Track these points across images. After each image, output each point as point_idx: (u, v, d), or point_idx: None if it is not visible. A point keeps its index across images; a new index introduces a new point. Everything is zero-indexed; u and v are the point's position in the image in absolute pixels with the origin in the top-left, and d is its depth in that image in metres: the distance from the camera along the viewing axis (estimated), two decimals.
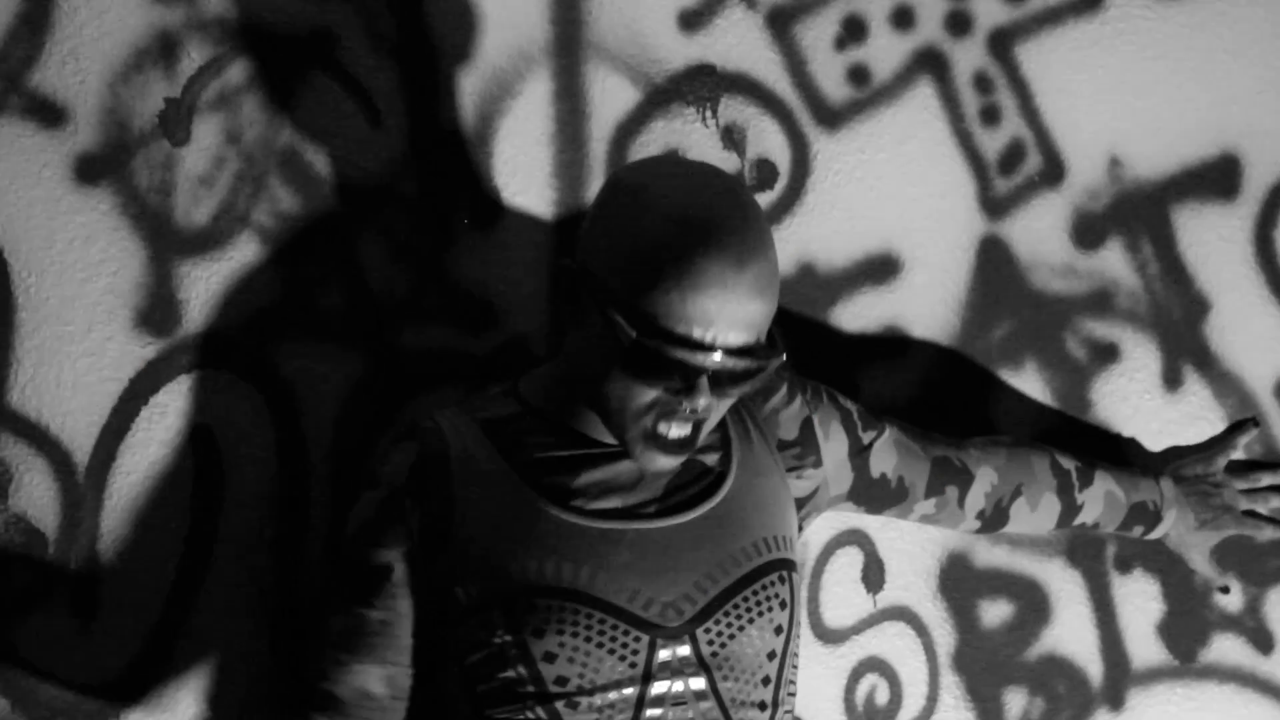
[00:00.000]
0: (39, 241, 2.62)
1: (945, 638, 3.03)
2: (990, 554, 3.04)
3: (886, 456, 2.69)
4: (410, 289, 2.76)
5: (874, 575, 3.00)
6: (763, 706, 2.42)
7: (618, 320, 2.25)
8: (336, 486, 2.73)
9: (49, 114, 2.63)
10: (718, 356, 2.24)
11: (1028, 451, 2.83)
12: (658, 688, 2.35)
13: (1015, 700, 3.06)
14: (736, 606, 2.40)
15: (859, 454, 2.66)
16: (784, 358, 2.34)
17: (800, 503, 2.58)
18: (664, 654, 2.35)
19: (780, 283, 2.32)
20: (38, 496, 2.61)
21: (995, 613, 3.05)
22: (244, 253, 2.70)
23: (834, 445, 2.63)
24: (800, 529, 2.59)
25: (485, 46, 2.80)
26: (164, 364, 2.67)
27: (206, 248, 2.69)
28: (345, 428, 2.73)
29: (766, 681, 2.42)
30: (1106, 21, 3.09)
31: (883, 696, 3.00)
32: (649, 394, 2.31)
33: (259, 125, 2.70)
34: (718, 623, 2.38)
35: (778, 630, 2.43)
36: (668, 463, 2.36)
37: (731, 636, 2.38)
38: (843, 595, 2.98)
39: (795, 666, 2.49)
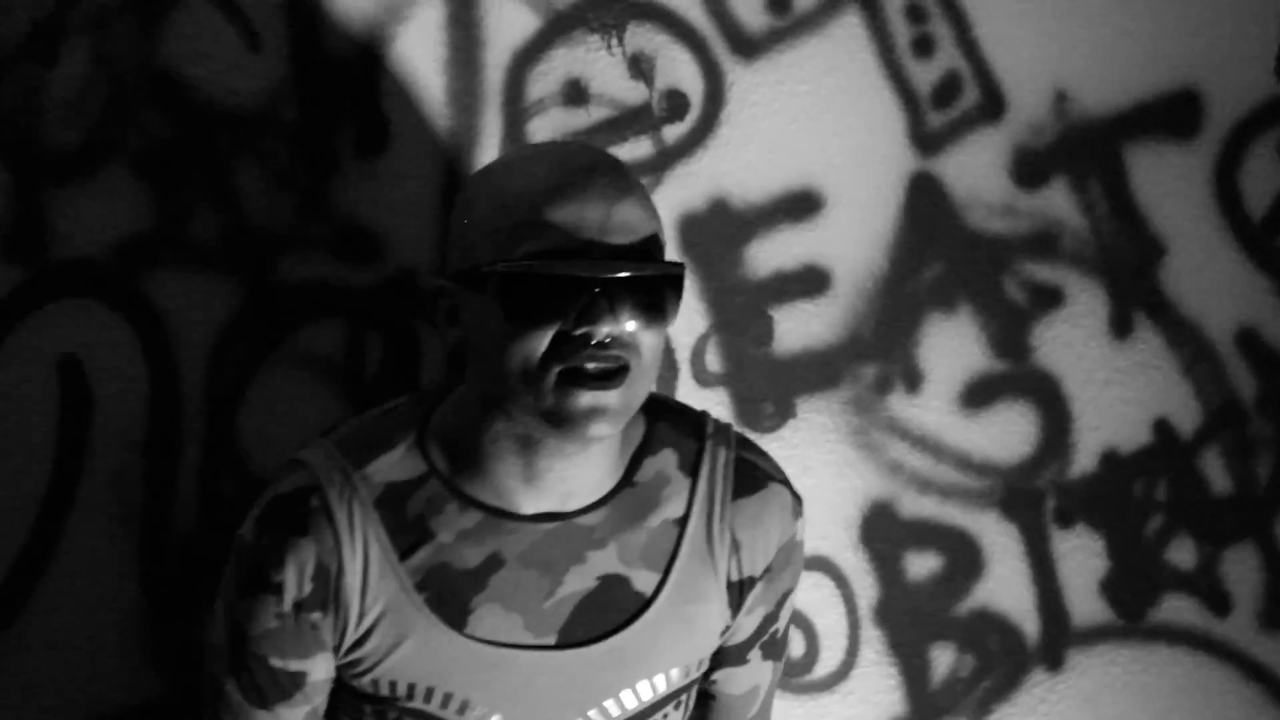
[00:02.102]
0: None
1: (867, 590, 2.84)
2: (917, 504, 2.86)
3: (739, 683, 2.37)
4: (291, 219, 2.57)
5: None
6: None
7: (486, 272, 2.01)
8: (210, 422, 2.57)
9: None
10: (602, 268, 1.97)
11: None
12: None
13: (943, 656, 2.88)
14: None
15: (736, 651, 2.34)
16: (682, 268, 2.06)
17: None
18: None
19: (655, 207, 2.09)
20: None
21: (922, 565, 2.86)
22: (114, 179, 2.52)
23: (743, 628, 2.32)
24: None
25: None
26: (29, 291, 2.51)
27: (75, 173, 2.52)
28: (220, 362, 2.57)
29: None
30: None
31: (799, 648, 2.81)
32: (545, 334, 2.00)
33: (130, 47, 2.52)
34: None
35: None
36: (598, 409, 2.01)
37: None
38: None
39: None
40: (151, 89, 2.52)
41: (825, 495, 2.79)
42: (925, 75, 2.81)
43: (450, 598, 2.12)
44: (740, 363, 2.74)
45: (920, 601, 2.84)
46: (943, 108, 2.82)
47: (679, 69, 2.71)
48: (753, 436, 2.69)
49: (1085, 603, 2.90)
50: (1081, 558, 2.90)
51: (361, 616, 2.13)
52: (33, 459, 2.52)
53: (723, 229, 2.74)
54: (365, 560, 2.12)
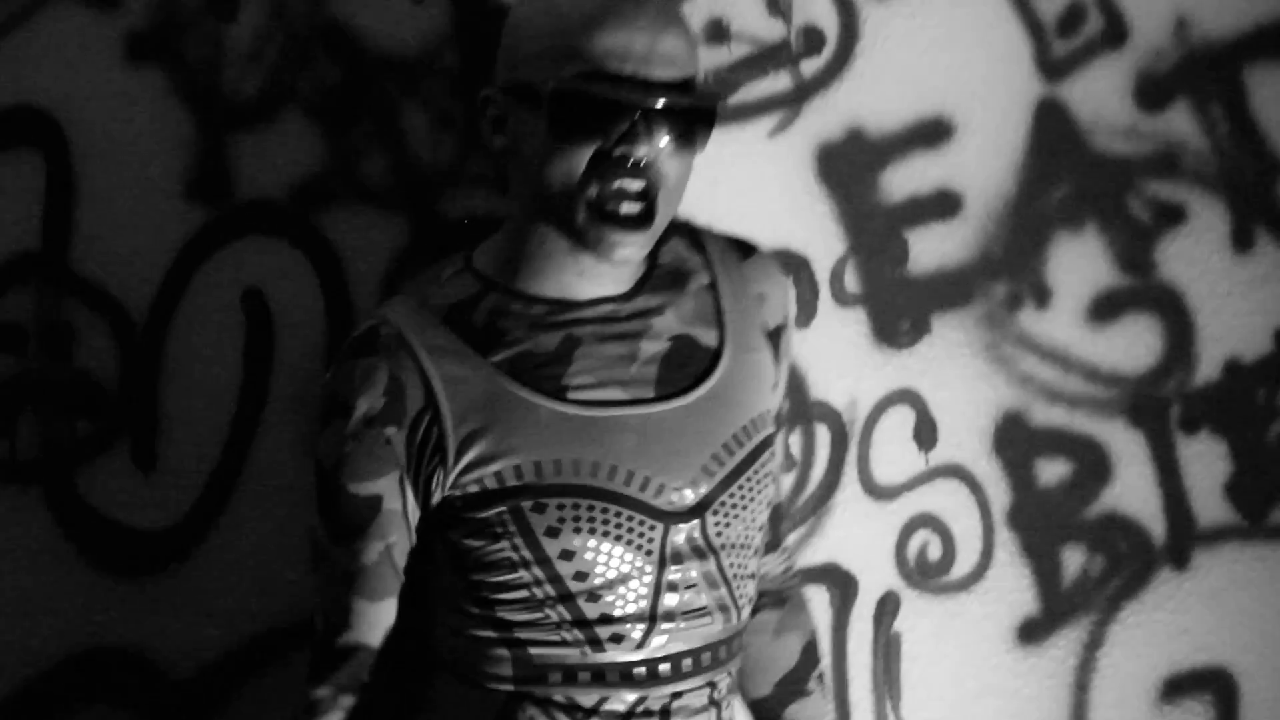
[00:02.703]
0: (95, 117, 2.55)
1: (1000, 495, 2.87)
2: (1048, 413, 2.88)
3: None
4: (452, 157, 2.63)
5: (926, 434, 2.84)
6: (751, 576, 2.28)
7: (537, 89, 2.09)
8: None
9: None
10: (644, 95, 2.05)
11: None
12: (672, 573, 2.17)
13: (1073, 557, 2.90)
14: (740, 488, 2.22)
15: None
16: (719, 98, 2.18)
17: None
18: (676, 539, 2.17)
19: (696, 42, 2.17)
20: (99, 354, 2.55)
21: (1052, 471, 2.89)
22: (290, 124, 2.59)
23: (782, 372, 2.41)
24: None
25: None
26: (216, 230, 2.58)
27: (254, 120, 2.59)
28: (390, 290, 2.60)
29: (755, 553, 2.28)
30: None
31: (935, 552, 2.85)
32: (586, 152, 2.09)
33: (304, 2, 2.58)
34: (723, 505, 2.20)
35: (767, 504, 2.29)
36: (625, 241, 2.11)
37: (735, 518, 2.22)
38: (894, 453, 2.84)
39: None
40: (323, 39, 2.57)
41: (959, 406, 2.82)
42: (1050, 5, 2.82)
43: (543, 378, 2.14)
44: (877, 282, 2.77)
45: (1051, 506, 2.86)
46: (1067, 35, 2.83)
47: (815, 6, 2.74)
48: (890, 351, 2.78)
49: (1210, 505, 2.92)
50: (1206, 462, 2.91)
51: (462, 420, 2.13)
52: (222, 384, 2.57)
53: (859, 157, 2.77)
54: (446, 369, 2.14)
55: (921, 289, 2.81)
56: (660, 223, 2.14)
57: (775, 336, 2.34)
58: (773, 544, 2.46)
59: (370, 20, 2.59)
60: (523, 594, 2.15)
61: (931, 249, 2.81)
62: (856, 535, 2.79)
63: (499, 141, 2.20)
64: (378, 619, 2.19)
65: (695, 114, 2.12)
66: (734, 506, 2.20)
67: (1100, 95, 2.85)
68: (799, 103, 2.74)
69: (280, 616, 2.61)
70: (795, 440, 2.77)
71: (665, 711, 2.20)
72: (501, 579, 2.15)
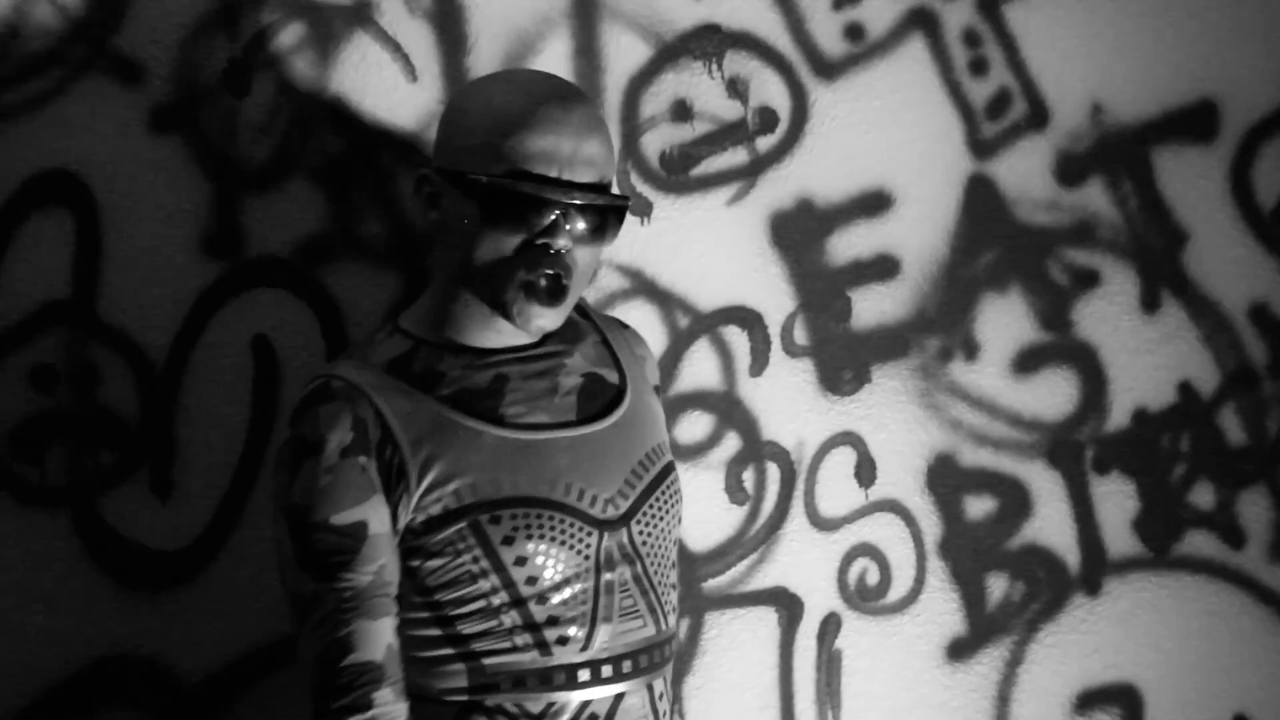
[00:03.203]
0: (122, 180, 2.52)
1: (932, 528, 2.85)
2: (975, 455, 2.86)
3: None
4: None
5: (866, 472, 2.82)
6: (673, 586, 2.27)
7: (472, 179, 2.12)
8: None
9: (129, 72, 2.52)
10: (565, 194, 2.09)
11: None
12: (607, 576, 2.17)
13: (998, 584, 2.88)
14: (656, 500, 2.24)
15: None
16: (629, 200, 2.20)
17: None
18: (608, 544, 2.17)
19: (612, 145, 2.19)
20: (122, 393, 2.53)
21: (979, 507, 2.87)
22: (296, 188, 2.57)
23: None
24: None
25: (510, 10, 2.64)
26: (228, 282, 2.56)
27: (264, 184, 2.57)
28: None
29: (672, 566, 2.28)
30: None
31: (873, 578, 2.82)
32: (513, 240, 2.13)
33: (310, 80, 2.57)
34: (644, 514, 2.22)
35: (678, 520, 2.29)
36: (546, 316, 2.16)
37: (655, 527, 2.23)
38: (837, 489, 2.81)
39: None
40: (327, 113, 2.56)
41: (896, 447, 2.80)
42: (980, 91, 2.81)
43: (482, 409, 2.16)
44: (823, 336, 2.75)
45: (978, 537, 2.84)
46: (995, 119, 2.82)
47: (769, 89, 2.73)
48: (835, 398, 2.76)
49: (1119, 538, 2.90)
50: (1116, 500, 2.89)
51: (418, 447, 2.12)
52: (232, 420, 2.55)
53: (808, 224, 2.76)
54: (396, 406, 2.13)
55: (863, 342, 2.79)
56: (571, 300, 2.18)
57: (656, 391, 2.39)
58: None
59: (369, 97, 2.57)
60: (480, 604, 2.13)
61: (872, 307, 2.80)
62: (802, 562, 2.76)
63: (432, 215, 2.22)
64: (380, 636, 2.11)
65: (608, 211, 2.15)
66: (653, 517, 2.21)
67: (1024, 172, 2.83)
68: (754, 175, 2.73)
69: (282, 628, 2.50)
70: (748, 476, 2.75)
71: (610, 715, 2.17)
72: (461, 593, 2.13)
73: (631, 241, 2.66)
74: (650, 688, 2.21)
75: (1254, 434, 2.94)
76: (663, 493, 2.24)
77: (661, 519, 2.23)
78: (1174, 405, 2.91)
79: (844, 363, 2.78)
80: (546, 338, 2.25)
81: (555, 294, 2.14)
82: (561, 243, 2.12)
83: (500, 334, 2.21)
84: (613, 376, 2.29)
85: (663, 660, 2.23)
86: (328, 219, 2.58)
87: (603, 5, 2.67)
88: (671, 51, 2.69)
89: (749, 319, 2.73)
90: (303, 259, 2.58)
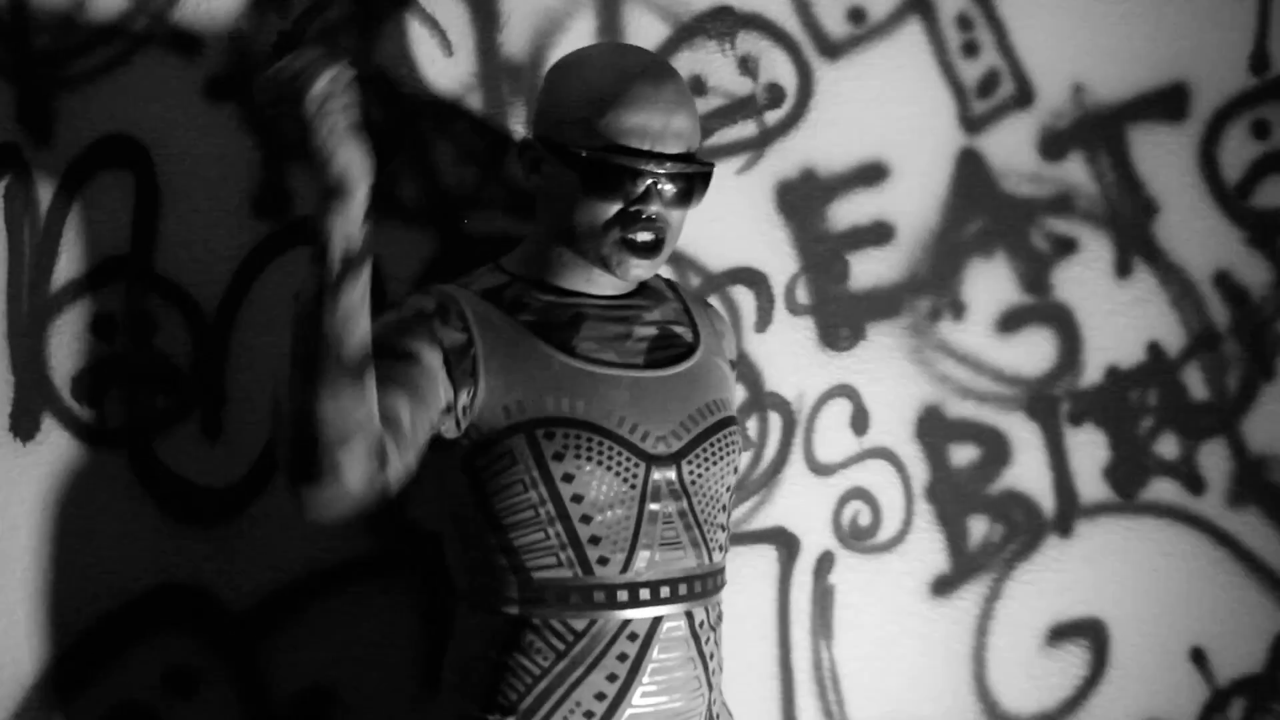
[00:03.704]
0: (179, 144, 2.45)
1: (920, 473, 2.77)
2: (960, 407, 2.79)
3: None
4: (475, 184, 2.53)
5: (860, 421, 2.75)
6: (722, 528, 2.22)
7: (573, 151, 2.12)
8: None
9: (186, 44, 2.44)
10: (658, 165, 2.10)
11: None
12: (652, 506, 2.13)
13: (978, 526, 2.80)
14: (710, 445, 2.19)
15: None
16: (713, 166, 2.19)
17: None
18: (656, 477, 2.13)
19: (698, 115, 2.19)
20: (176, 340, 2.46)
21: (963, 455, 2.79)
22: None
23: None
24: None
25: None
26: (276, 241, 2.48)
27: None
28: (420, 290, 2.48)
29: (724, 509, 2.22)
30: None
31: (865, 519, 2.75)
32: (610, 207, 2.13)
33: (354, 53, 2.47)
34: (697, 456, 2.17)
35: (734, 470, 2.24)
36: (640, 265, 2.16)
37: (706, 470, 2.18)
38: (833, 437, 2.73)
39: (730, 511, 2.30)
40: (369, 84, 2.45)
41: (888, 399, 2.73)
42: (971, 72, 2.73)
43: (556, 336, 2.15)
44: (823, 296, 2.68)
45: (961, 483, 2.77)
46: (985, 97, 2.74)
47: (778, 67, 2.65)
48: (832, 353, 2.70)
49: (1090, 485, 2.83)
50: (1088, 450, 2.83)
51: (492, 354, 2.12)
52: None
53: (811, 193, 2.68)
54: (481, 316, 2.15)
55: (859, 302, 2.72)
56: (665, 254, 2.18)
57: (731, 365, 2.36)
58: None
59: (408, 69, 2.50)
60: (529, 514, 2.10)
61: (868, 270, 2.72)
62: (800, 504, 2.69)
63: (533, 180, 2.22)
64: (390, 402, 1.99)
65: (694, 177, 2.16)
66: (705, 460, 2.17)
67: (1010, 146, 2.76)
68: (762, 147, 2.65)
69: (321, 560, 2.51)
70: (752, 424, 2.68)
71: (649, 636, 2.11)
72: (513, 501, 2.10)
73: None
74: (690, 615, 2.14)
75: (1215, 390, 2.88)
76: (718, 440, 2.19)
77: (714, 463, 2.18)
78: (1143, 363, 2.84)
79: (842, 321, 2.71)
80: (629, 295, 2.25)
81: (652, 248, 2.16)
82: (654, 208, 2.12)
83: (590, 283, 2.21)
84: (687, 335, 2.27)
85: (704, 591, 2.17)
86: (370, 182, 2.47)
87: None
88: (688, 31, 2.61)
89: (755, 279, 2.66)
90: None
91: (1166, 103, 2.80)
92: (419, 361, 2.08)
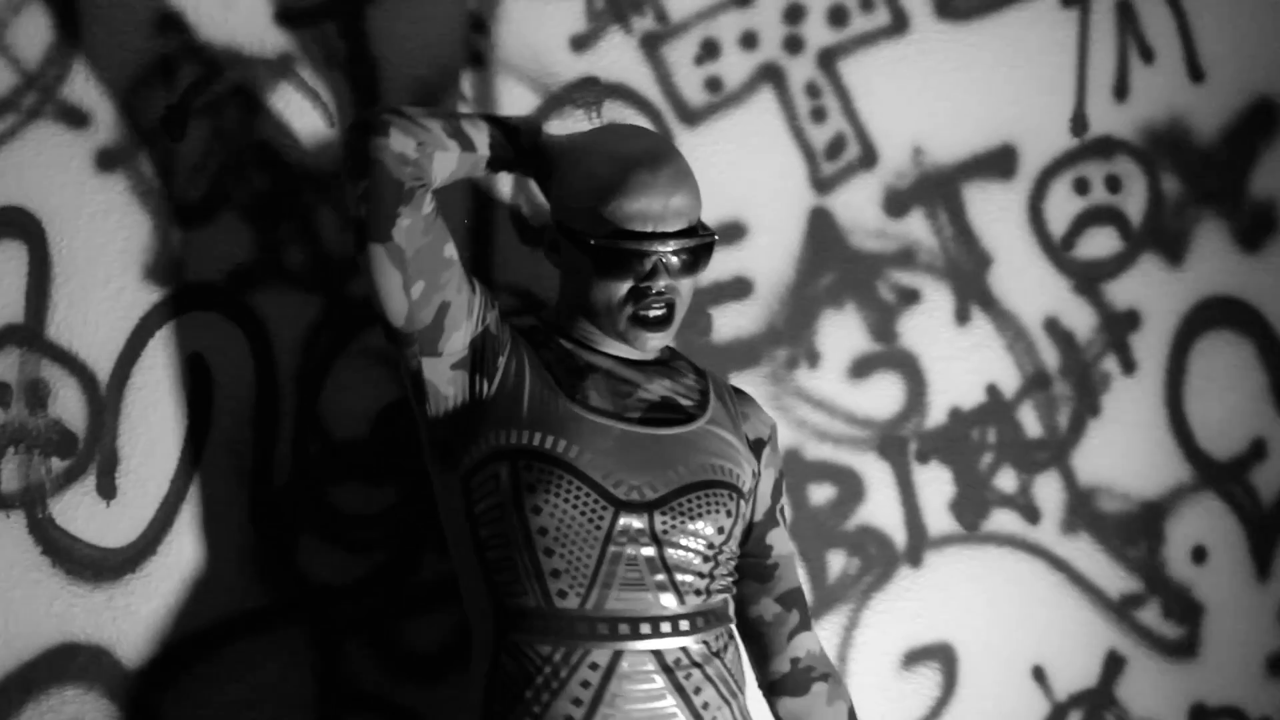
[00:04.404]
0: (69, 214, 2.44)
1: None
2: (818, 449, 2.82)
3: (783, 544, 2.44)
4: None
5: None
6: (701, 575, 2.23)
7: (585, 240, 2.19)
8: (300, 401, 2.53)
9: (76, 118, 2.44)
10: (661, 244, 2.17)
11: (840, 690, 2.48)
12: (613, 549, 2.16)
13: (836, 560, 2.84)
14: (690, 500, 2.22)
15: (769, 515, 2.42)
16: (715, 237, 2.26)
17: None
18: (622, 523, 2.17)
19: (698, 189, 2.27)
20: (70, 406, 2.44)
21: (821, 494, 2.83)
22: (228, 222, 2.50)
23: (765, 483, 2.42)
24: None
25: (414, 62, 2.57)
26: (166, 307, 2.48)
27: (198, 218, 2.50)
28: (307, 355, 2.53)
29: (705, 559, 2.23)
30: (911, 42, 2.84)
31: None
32: (622, 286, 2.21)
33: (239, 125, 2.49)
34: (672, 509, 2.21)
35: (719, 530, 2.24)
36: (654, 337, 2.25)
37: (681, 522, 2.20)
38: None
39: (733, 557, 2.30)
40: (255, 155, 2.49)
41: None
42: (820, 136, 2.78)
43: (565, 380, 2.24)
44: (690, 349, 2.69)
45: (820, 520, 2.80)
46: (833, 159, 2.79)
47: None
48: None
49: (937, 518, 2.88)
50: (935, 485, 2.87)
51: (514, 361, 2.23)
52: (170, 430, 2.48)
53: None
54: (519, 337, 2.27)
55: (722, 352, 2.75)
56: (677, 322, 2.27)
57: (756, 446, 2.38)
58: (805, 624, 2.42)
59: (293, 140, 2.50)
60: (505, 540, 2.17)
61: (730, 322, 2.75)
62: None
63: (555, 259, 2.31)
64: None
65: (699, 249, 2.23)
66: (682, 514, 2.20)
67: (857, 205, 2.81)
68: None
69: (217, 615, 2.50)
70: None
71: (610, 669, 2.14)
72: (493, 524, 2.18)
73: (528, 274, 2.60)
74: (658, 654, 2.16)
75: (1048, 427, 2.94)
76: (700, 498, 2.22)
77: (692, 518, 2.20)
78: (982, 404, 2.90)
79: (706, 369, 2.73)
80: (644, 364, 2.31)
81: (663, 321, 2.24)
82: (663, 283, 2.20)
83: (609, 344, 2.30)
84: (694, 409, 2.31)
85: (675, 632, 2.18)
86: (256, 249, 2.50)
87: (496, 60, 2.61)
88: (557, 100, 2.63)
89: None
90: (233, 285, 2.49)
91: (997, 163, 2.87)
92: (468, 287, 2.22)
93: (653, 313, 2.22)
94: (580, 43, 2.66)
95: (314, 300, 2.52)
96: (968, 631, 2.90)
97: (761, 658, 2.41)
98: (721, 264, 2.73)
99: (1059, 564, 2.96)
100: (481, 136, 2.25)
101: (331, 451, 2.52)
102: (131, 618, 2.46)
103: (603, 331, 2.27)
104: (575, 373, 2.24)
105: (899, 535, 2.86)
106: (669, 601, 2.18)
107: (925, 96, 2.83)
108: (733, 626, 2.32)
